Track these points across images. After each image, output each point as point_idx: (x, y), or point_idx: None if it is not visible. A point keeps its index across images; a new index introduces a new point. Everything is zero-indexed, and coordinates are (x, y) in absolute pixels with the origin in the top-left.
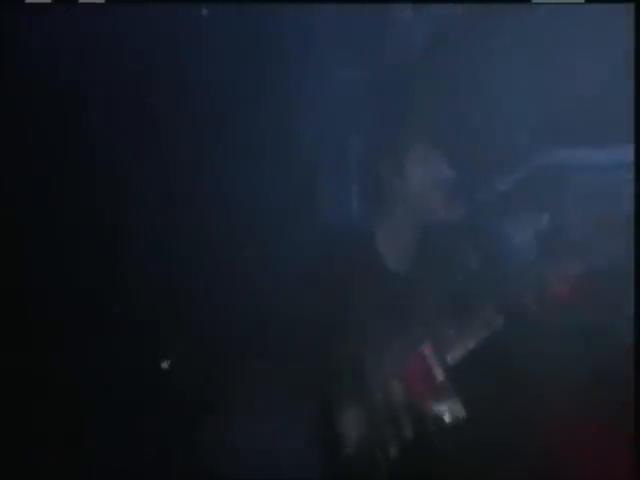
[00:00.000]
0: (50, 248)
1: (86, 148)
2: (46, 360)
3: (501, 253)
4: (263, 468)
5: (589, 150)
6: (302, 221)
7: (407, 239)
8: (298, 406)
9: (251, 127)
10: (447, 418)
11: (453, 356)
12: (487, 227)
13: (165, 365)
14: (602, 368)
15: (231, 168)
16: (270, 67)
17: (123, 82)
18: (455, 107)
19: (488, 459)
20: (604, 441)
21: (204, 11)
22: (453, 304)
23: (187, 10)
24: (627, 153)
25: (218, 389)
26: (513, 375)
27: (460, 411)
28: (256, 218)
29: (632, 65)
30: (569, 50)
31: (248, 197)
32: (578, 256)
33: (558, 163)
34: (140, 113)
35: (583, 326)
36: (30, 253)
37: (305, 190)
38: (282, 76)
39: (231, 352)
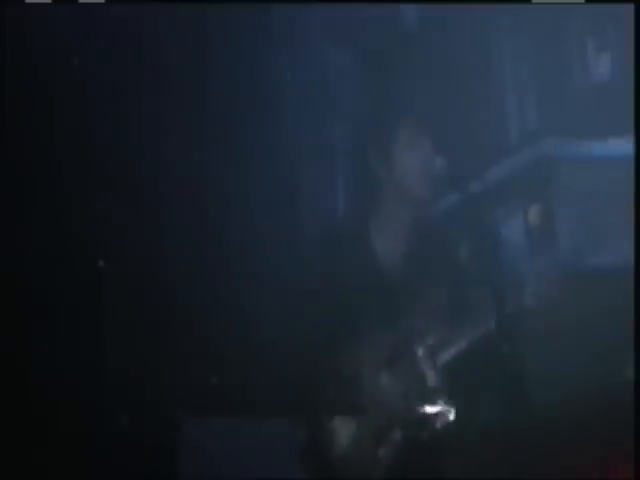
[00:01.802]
0: (46, 247)
1: (85, 146)
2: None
3: (493, 245)
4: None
5: (585, 142)
6: (287, 216)
7: (398, 231)
8: (286, 408)
9: (233, 119)
10: (437, 422)
11: (445, 356)
12: (478, 218)
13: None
14: (599, 369)
15: (210, 161)
16: (255, 55)
17: (122, 81)
18: (446, 95)
19: (479, 464)
20: (602, 443)
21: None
22: (445, 300)
23: (186, 9)
24: (623, 146)
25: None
26: (506, 376)
27: (451, 414)
28: (238, 214)
29: (632, 65)
30: (566, 42)
31: (230, 191)
32: (572, 251)
33: (552, 154)
34: (139, 111)
35: (579, 324)
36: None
37: (290, 183)
38: (266, 63)
39: (218, 354)
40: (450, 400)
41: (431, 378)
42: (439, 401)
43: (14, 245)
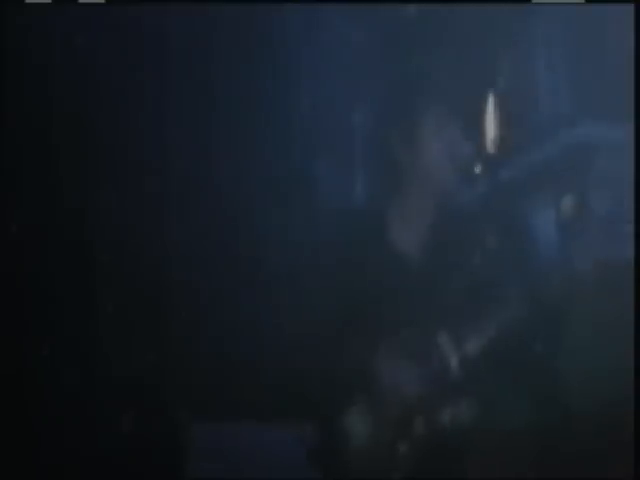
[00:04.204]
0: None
1: (86, 146)
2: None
3: (523, 236)
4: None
5: (617, 127)
6: (302, 204)
7: (421, 222)
8: (299, 405)
9: (243, 97)
10: (461, 418)
11: (470, 349)
12: (507, 208)
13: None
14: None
15: (217, 143)
16: (265, 27)
17: (123, 81)
18: (475, 75)
19: (504, 463)
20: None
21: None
22: (471, 292)
23: (187, 9)
24: None
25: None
26: (535, 371)
27: (475, 410)
28: (249, 203)
29: (632, 67)
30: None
31: (241, 180)
32: (603, 240)
33: (585, 141)
34: (139, 111)
35: (613, 320)
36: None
37: (305, 168)
38: (278, 38)
39: (228, 349)
40: (475, 396)
41: (455, 372)
42: (463, 396)
43: (12, 239)
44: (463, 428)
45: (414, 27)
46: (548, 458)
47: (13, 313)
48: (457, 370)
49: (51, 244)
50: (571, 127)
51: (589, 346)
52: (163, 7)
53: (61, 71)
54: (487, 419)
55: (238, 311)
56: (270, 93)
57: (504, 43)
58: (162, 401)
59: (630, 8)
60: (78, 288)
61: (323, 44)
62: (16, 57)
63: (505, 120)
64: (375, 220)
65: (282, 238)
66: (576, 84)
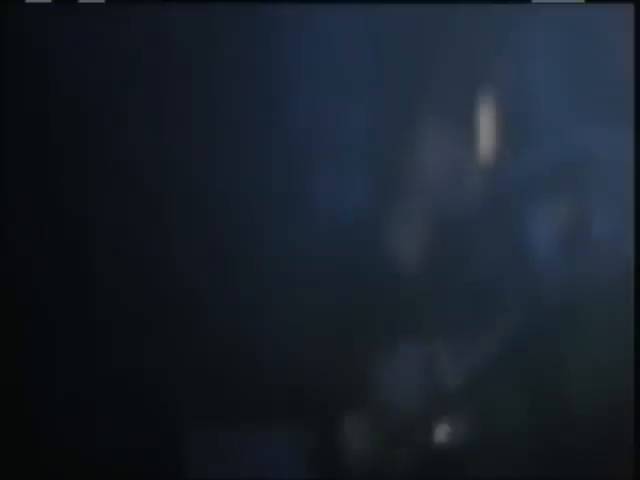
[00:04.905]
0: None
1: (85, 147)
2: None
3: (521, 242)
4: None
5: (617, 129)
6: (294, 212)
7: (419, 228)
8: (297, 417)
9: (242, 97)
10: (459, 434)
11: (470, 356)
12: (507, 212)
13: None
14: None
15: (204, 150)
16: (264, 27)
17: (123, 82)
18: (474, 77)
19: (503, 467)
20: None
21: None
22: (469, 302)
23: (187, 9)
24: None
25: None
26: (537, 385)
27: (474, 426)
28: (243, 209)
29: (632, 67)
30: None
31: (235, 185)
32: (603, 241)
33: (584, 144)
34: (139, 112)
35: (614, 326)
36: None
37: (297, 176)
38: (269, 36)
39: (223, 358)
40: (472, 405)
41: (452, 381)
42: (460, 406)
43: (12, 239)
44: (463, 434)
45: (413, 27)
46: (548, 458)
47: (12, 313)
48: (457, 379)
49: (51, 244)
50: (570, 130)
51: (589, 349)
52: (163, 7)
53: (61, 71)
54: (488, 424)
55: (237, 312)
56: (269, 93)
57: (503, 44)
58: (162, 402)
59: (630, 8)
60: (78, 288)
61: (323, 44)
62: (16, 57)
63: (504, 123)
64: (372, 226)
65: (281, 239)
66: (575, 85)
